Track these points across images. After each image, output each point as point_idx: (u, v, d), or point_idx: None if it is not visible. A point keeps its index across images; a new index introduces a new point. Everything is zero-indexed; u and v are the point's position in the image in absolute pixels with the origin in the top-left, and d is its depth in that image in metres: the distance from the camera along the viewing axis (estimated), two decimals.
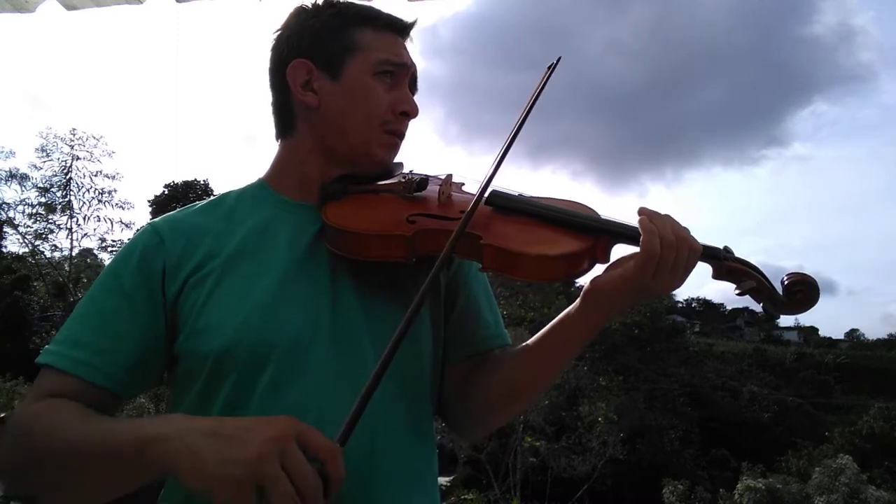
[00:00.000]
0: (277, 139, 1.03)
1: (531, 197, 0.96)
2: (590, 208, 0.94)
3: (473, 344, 1.02)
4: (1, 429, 0.83)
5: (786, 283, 0.86)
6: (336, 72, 0.95)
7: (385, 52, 0.96)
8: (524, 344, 0.97)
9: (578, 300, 0.89)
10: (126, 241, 1.09)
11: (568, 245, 0.86)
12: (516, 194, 0.95)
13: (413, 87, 1.02)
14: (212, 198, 1.04)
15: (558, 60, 0.97)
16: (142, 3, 1.67)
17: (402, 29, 1.00)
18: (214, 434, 0.66)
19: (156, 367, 0.91)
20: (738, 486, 18.30)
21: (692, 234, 0.86)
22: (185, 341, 0.88)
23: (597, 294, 0.86)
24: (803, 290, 0.86)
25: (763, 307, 0.88)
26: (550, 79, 0.97)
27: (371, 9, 1.00)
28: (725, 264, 0.87)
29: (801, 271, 0.86)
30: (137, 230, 1.01)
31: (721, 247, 0.88)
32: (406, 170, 1.03)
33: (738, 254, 0.88)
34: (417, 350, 0.95)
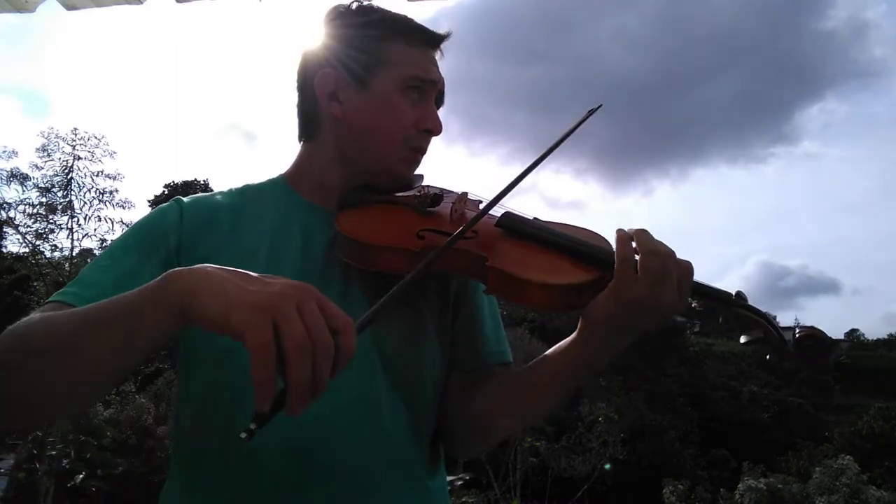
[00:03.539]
0: (300, 140, 1.04)
1: (545, 222, 0.95)
2: (604, 239, 0.92)
3: (471, 358, 1.01)
4: None
5: (797, 336, 0.83)
6: (364, 84, 0.95)
7: (414, 67, 0.95)
8: (527, 366, 0.95)
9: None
10: None
11: (575, 276, 0.84)
12: (530, 218, 0.94)
13: (439, 102, 1.02)
14: (234, 188, 1.04)
15: (599, 107, 0.96)
16: (142, 3, 1.68)
17: (434, 43, 0.99)
18: (239, 272, 0.64)
19: None
20: (739, 486, 18.30)
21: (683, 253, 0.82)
22: (192, 335, 0.87)
23: (589, 313, 0.83)
24: (814, 346, 0.82)
25: (769, 359, 0.85)
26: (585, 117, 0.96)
27: (405, 20, 0.98)
28: (734, 310, 0.84)
29: (814, 326, 0.83)
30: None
31: (733, 292, 0.85)
32: (425, 182, 1.03)
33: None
34: (422, 362, 0.94)
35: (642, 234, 0.81)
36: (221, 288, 0.62)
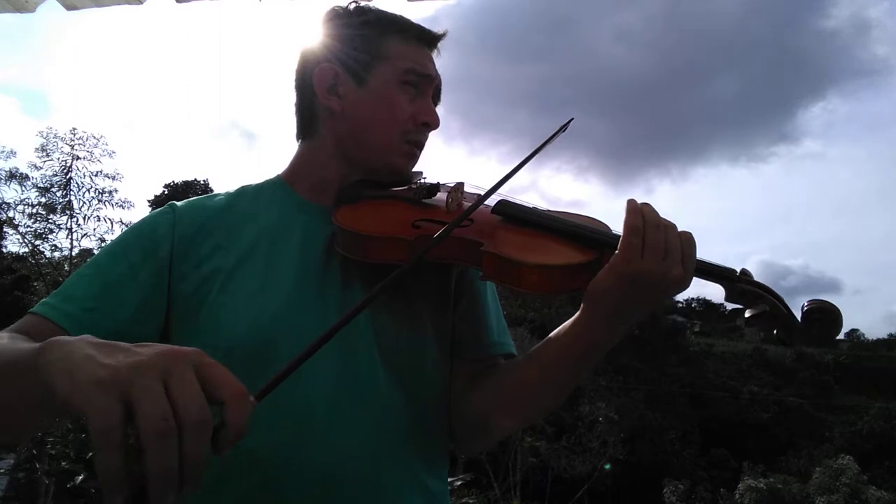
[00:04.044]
0: (298, 139, 1.04)
1: (544, 210, 0.94)
2: (602, 223, 0.92)
3: (473, 349, 1.00)
4: None
5: (805, 309, 0.79)
6: (361, 79, 0.97)
7: (411, 62, 0.97)
8: (529, 351, 0.94)
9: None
10: None
11: (571, 257, 0.83)
12: (530, 206, 0.94)
13: (436, 100, 1.03)
14: (231, 190, 1.05)
15: (570, 121, 0.96)
16: (142, 3, 1.68)
17: (430, 40, 1.01)
18: (105, 345, 0.55)
19: (149, 338, 0.90)
20: (740, 485, 18.33)
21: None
22: (193, 335, 0.88)
23: (590, 292, 0.80)
24: (822, 319, 0.78)
25: (776, 335, 0.81)
26: (560, 132, 0.96)
27: (401, 19, 1.00)
28: (738, 286, 0.82)
29: (822, 299, 0.79)
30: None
31: (738, 269, 0.83)
32: (423, 177, 1.03)
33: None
34: (423, 356, 0.94)
35: (648, 207, 0.80)
36: (74, 364, 0.52)
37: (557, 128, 0.96)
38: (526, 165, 0.91)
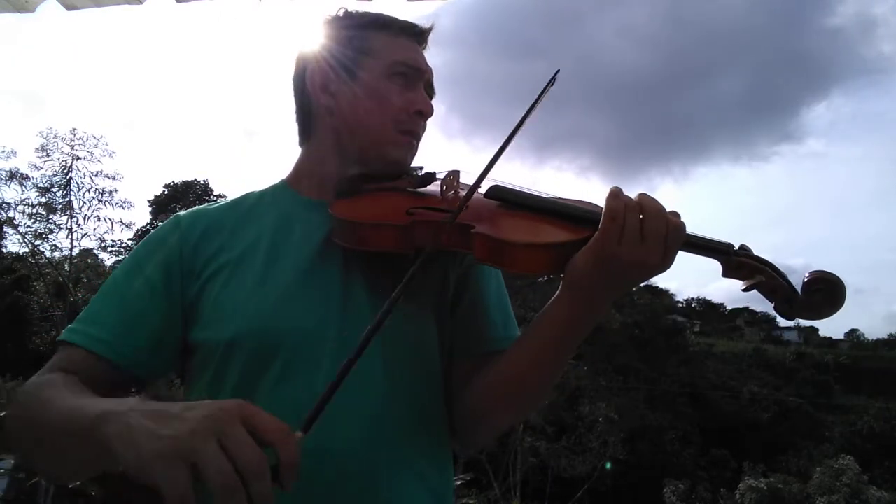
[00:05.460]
0: (301, 145, 1.07)
1: (542, 194, 0.94)
2: (599, 206, 0.92)
3: (475, 344, 1.00)
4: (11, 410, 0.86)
5: (805, 280, 0.78)
6: (352, 75, 1.00)
7: (399, 55, 1.00)
8: (515, 339, 0.94)
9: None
10: (126, 241, 1.11)
11: (561, 235, 0.83)
12: (527, 191, 0.94)
13: (430, 92, 1.05)
14: (236, 196, 1.08)
15: (557, 73, 0.97)
16: (142, 3, 1.68)
17: (417, 34, 1.04)
18: (157, 414, 0.61)
19: (173, 350, 0.94)
20: (740, 485, 18.33)
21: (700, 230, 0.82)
22: (198, 332, 0.91)
23: (570, 273, 0.81)
24: (823, 289, 0.76)
25: (776, 308, 0.80)
26: (551, 89, 0.97)
27: (387, 16, 1.04)
28: (735, 259, 0.81)
29: (825, 270, 0.77)
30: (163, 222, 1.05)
31: (738, 244, 0.82)
32: (422, 170, 1.04)
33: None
34: (422, 348, 0.95)
35: (641, 195, 0.80)
36: (135, 438, 0.59)
37: (546, 84, 0.96)
38: (518, 145, 0.92)
